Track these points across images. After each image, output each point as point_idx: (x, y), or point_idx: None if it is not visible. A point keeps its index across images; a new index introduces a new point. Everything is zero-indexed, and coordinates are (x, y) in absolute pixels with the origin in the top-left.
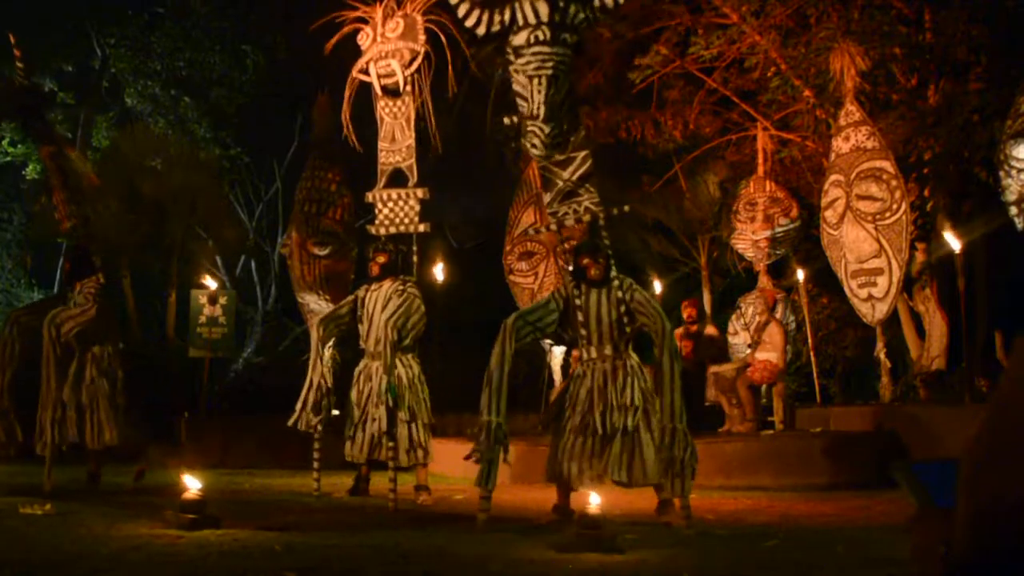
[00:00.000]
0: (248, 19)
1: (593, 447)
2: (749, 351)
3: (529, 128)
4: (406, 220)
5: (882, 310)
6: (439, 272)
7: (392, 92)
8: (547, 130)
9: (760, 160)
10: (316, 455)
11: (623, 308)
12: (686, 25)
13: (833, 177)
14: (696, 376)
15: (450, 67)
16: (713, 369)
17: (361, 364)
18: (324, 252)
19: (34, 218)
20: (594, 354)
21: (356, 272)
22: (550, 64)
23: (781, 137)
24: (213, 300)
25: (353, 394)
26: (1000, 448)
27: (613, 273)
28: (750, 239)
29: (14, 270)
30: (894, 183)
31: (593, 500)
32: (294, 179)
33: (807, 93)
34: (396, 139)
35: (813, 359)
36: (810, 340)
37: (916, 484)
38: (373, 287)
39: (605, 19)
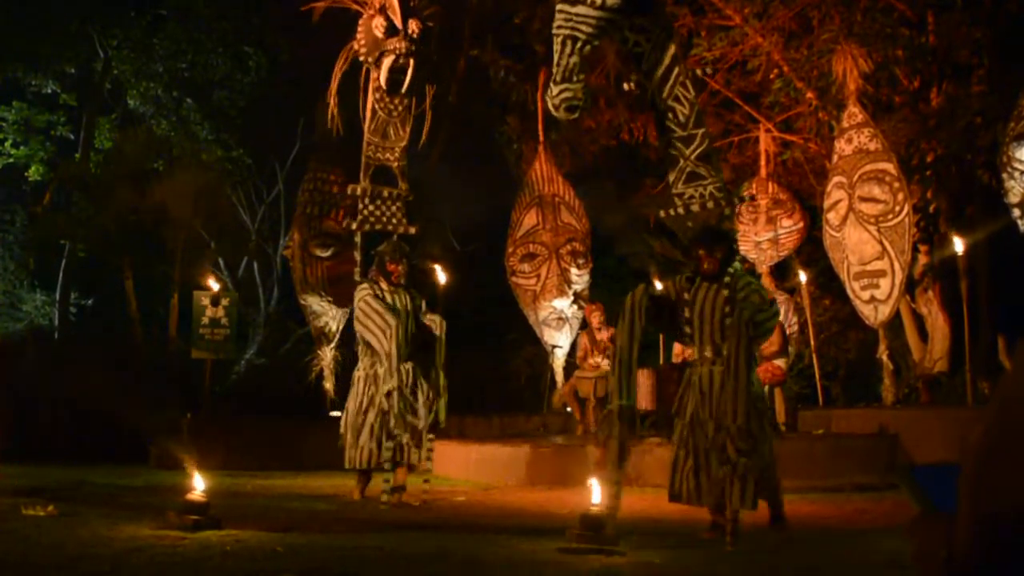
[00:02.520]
0: (251, 21)
1: (696, 464)
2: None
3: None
4: (393, 220)
5: (884, 312)
6: (440, 273)
7: (393, 89)
8: (555, 91)
9: (763, 162)
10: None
11: (728, 308)
12: (689, 27)
13: (836, 179)
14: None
15: (461, 71)
16: None
17: (371, 368)
18: (326, 254)
19: (36, 220)
20: (699, 356)
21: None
22: (569, 24)
23: (784, 139)
24: (215, 302)
25: (365, 400)
26: (1003, 451)
27: (733, 268)
28: (752, 241)
29: (16, 272)
30: (897, 185)
31: (594, 500)
32: (296, 181)
33: (809, 95)
34: (389, 136)
35: (815, 361)
36: (812, 342)
37: (917, 487)
38: (389, 288)
39: None
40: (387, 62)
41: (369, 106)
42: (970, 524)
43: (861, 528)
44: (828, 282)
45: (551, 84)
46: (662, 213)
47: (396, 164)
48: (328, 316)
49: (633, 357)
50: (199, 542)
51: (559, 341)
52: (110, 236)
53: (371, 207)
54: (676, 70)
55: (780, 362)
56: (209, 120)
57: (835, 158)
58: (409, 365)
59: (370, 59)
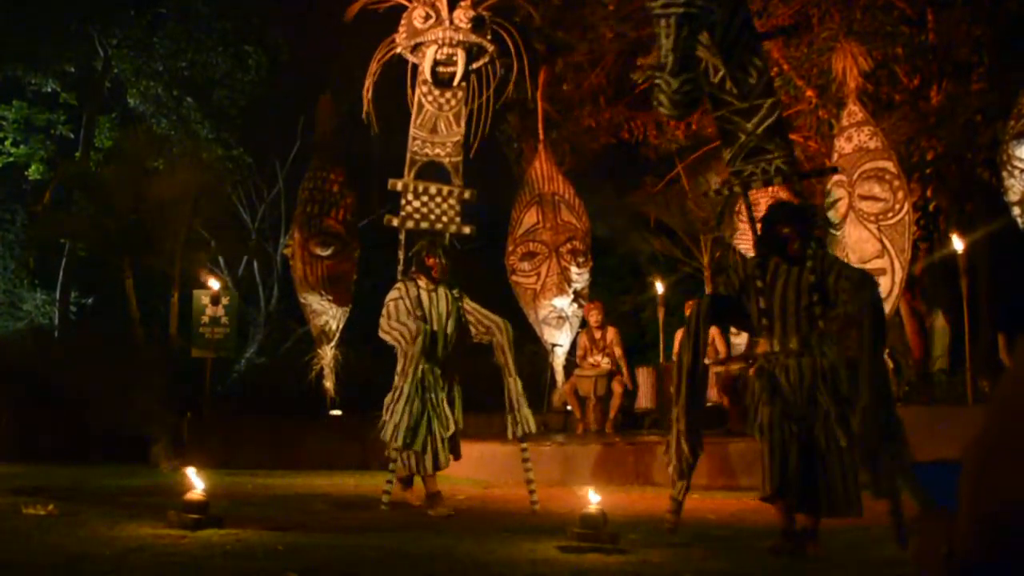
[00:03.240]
0: (251, 20)
1: (783, 463)
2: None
3: (656, 80)
4: (443, 219)
5: (884, 310)
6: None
7: (444, 82)
8: (675, 84)
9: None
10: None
11: (817, 296)
12: None
13: (836, 177)
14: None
15: (521, 69)
16: (716, 369)
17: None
18: (326, 252)
19: (36, 219)
20: (782, 347)
21: (358, 272)
22: (681, 2)
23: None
24: (216, 300)
25: (415, 404)
26: (1003, 449)
27: (810, 250)
28: (752, 239)
29: (17, 271)
30: (897, 183)
31: (593, 499)
32: (296, 180)
33: (809, 93)
34: (440, 131)
35: None
36: None
37: (918, 485)
38: (425, 285)
39: None
40: (430, 52)
41: (416, 100)
42: (971, 521)
43: (861, 525)
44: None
45: (663, 76)
46: (714, 190)
47: (448, 160)
48: (328, 315)
49: (698, 372)
50: (200, 541)
51: (559, 340)
52: (110, 235)
53: (416, 203)
54: (746, 35)
55: None
56: (209, 119)
57: (835, 156)
58: (437, 370)
59: (411, 51)
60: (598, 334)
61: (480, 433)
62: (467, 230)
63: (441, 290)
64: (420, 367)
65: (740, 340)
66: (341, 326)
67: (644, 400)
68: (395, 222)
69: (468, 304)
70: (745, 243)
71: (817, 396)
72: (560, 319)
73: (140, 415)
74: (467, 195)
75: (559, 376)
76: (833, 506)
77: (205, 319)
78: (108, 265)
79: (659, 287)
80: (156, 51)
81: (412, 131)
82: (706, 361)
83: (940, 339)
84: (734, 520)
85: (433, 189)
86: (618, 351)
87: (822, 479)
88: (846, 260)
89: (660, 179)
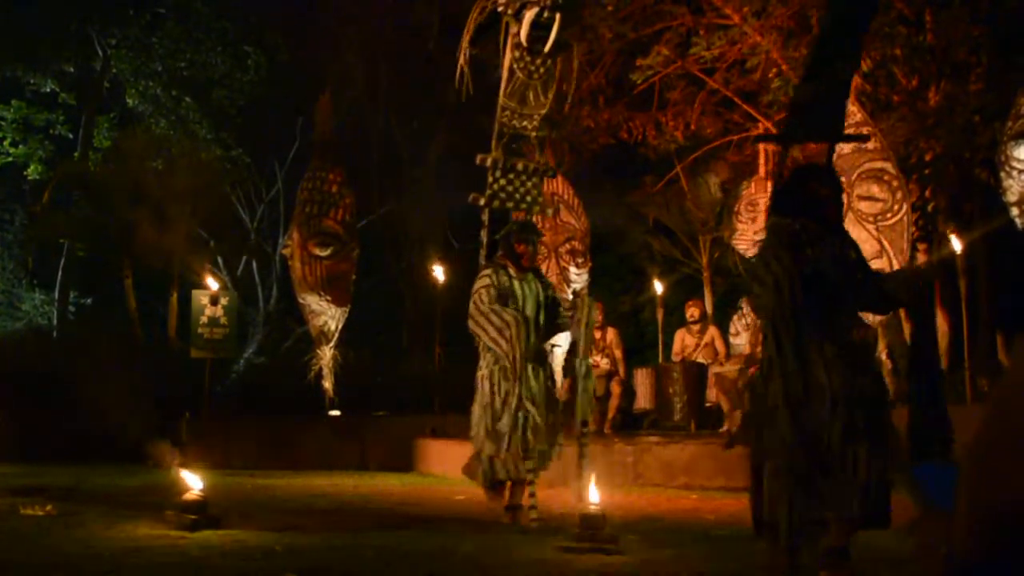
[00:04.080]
0: (249, 20)
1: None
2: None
3: None
4: (527, 199)
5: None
6: (439, 272)
7: (537, 48)
8: None
9: (761, 161)
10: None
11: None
12: (687, 26)
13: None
14: (699, 376)
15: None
16: (715, 370)
17: (496, 364)
18: (325, 253)
19: (35, 219)
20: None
21: (357, 272)
22: None
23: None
24: (214, 301)
25: (499, 402)
26: (1002, 448)
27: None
28: (751, 239)
29: (15, 271)
30: (895, 184)
31: (592, 500)
32: (295, 180)
33: None
34: (528, 101)
35: None
36: None
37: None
38: (517, 275)
39: None
40: (529, 15)
41: (506, 66)
42: (970, 521)
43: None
44: None
45: None
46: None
47: (535, 134)
48: (327, 315)
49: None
50: (198, 542)
51: (558, 340)
52: (109, 235)
53: (502, 181)
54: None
55: None
56: (208, 119)
57: (833, 156)
58: (530, 367)
59: (510, 11)
60: (598, 334)
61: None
62: (549, 211)
63: (531, 278)
64: (521, 364)
65: (739, 341)
66: (340, 326)
67: (643, 401)
68: (481, 201)
69: (554, 291)
70: (744, 244)
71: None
72: None
73: (139, 415)
74: (550, 171)
75: (557, 376)
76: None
77: (204, 319)
78: (107, 265)
79: (658, 287)
80: (155, 51)
81: (502, 100)
82: (704, 361)
83: (939, 339)
84: (733, 520)
85: (520, 166)
86: (618, 353)
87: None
88: None
89: (659, 179)
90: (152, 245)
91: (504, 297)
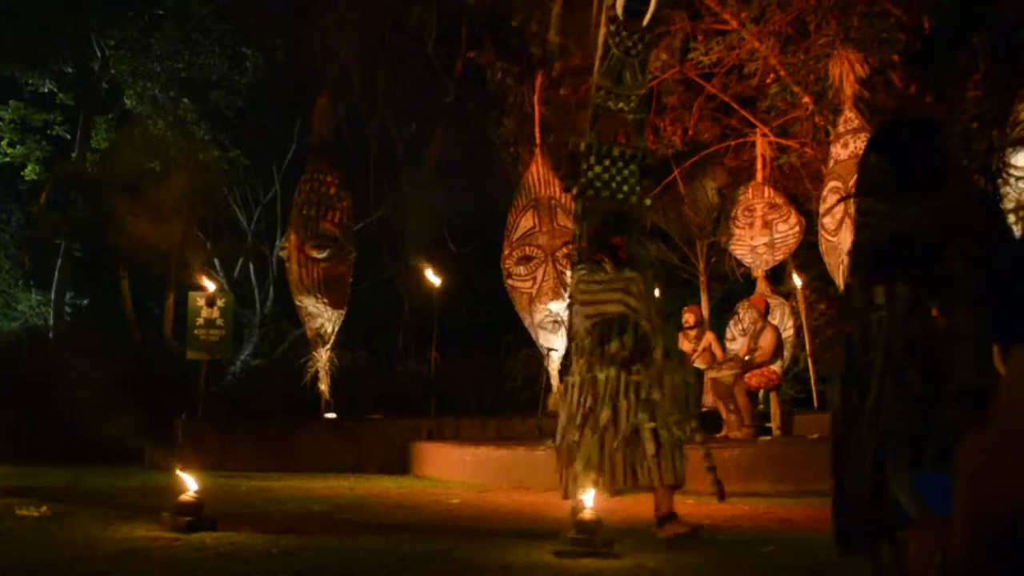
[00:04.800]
0: (248, 21)
1: None
2: (746, 358)
3: None
4: (624, 188)
5: None
6: (434, 276)
7: (634, 23)
8: None
9: (759, 166)
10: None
11: None
12: (685, 31)
13: (832, 184)
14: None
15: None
16: (711, 374)
17: (590, 372)
18: (322, 255)
19: (32, 219)
20: None
21: (354, 275)
22: None
23: (780, 143)
24: (211, 302)
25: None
26: (997, 458)
27: None
28: (748, 245)
29: (12, 271)
30: None
31: (588, 504)
32: (293, 182)
33: (806, 100)
34: (624, 81)
35: (811, 365)
36: (808, 346)
37: (913, 493)
38: (610, 269)
39: None
40: None
41: (601, 41)
42: (965, 528)
43: None
44: (824, 286)
45: None
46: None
47: (632, 117)
48: (324, 318)
49: None
50: (193, 544)
51: (555, 344)
52: (106, 236)
53: (597, 168)
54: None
55: (775, 366)
56: (206, 120)
57: (831, 163)
58: (625, 370)
59: None
60: None
61: (476, 437)
62: (648, 202)
63: (629, 272)
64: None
65: (735, 346)
66: (336, 329)
67: None
68: (575, 190)
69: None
70: (741, 249)
71: None
72: (556, 323)
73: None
74: (647, 158)
75: (554, 380)
76: None
77: (200, 321)
78: (103, 266)
79: (655, 292)
80: (153, 52)
81: (596, 79)
82: (700, 366)
83: None
84: (729, 526)
85: (616, 152)
86: None
87: None
88: (841, 267)
89: (656, 184)
90: (149, 246)
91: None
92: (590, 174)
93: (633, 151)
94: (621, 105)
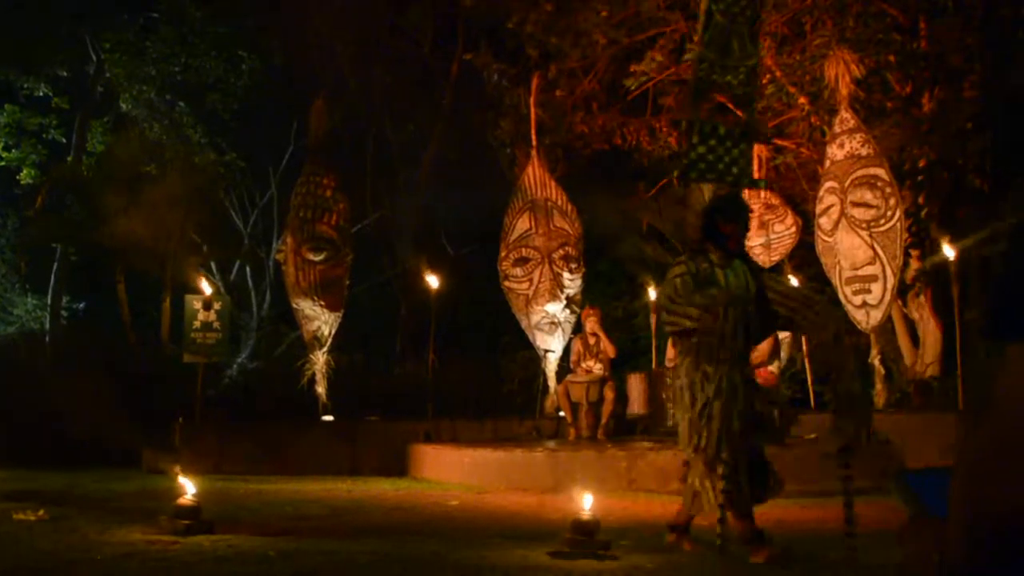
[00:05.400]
0: (244, 24)
1: None
2: None
3: None
4: (733, 169)
5: (876, 317)
6: (433, 279)
7: None
8: None
9: (755, 167)
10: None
11: None
12: (681, 32)
13: (828, 184)
14: None
15: None
16: None
17: (698, 372)
18: (319, 258)
19: (28, 223)
20: None
21: (351, 278)
22: None
23: (776, 144)
24: (208, 306)
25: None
26: (995, 457)
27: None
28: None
29: (8, 275)
30: (888, 190)
31: (585, 505)
32: (289, 184)
33: (802, 100)
34: (732, 51)
35: (807, 366)
36: (804, 347)
37: (909, 492)
38: (718, 259)
39: None
40: None
41: (703, 7)
42: (962, 528)
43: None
44: (820, 287)
45: None
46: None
47: (741, 90)
48: (320, 320)
49: None
50: (191, 547)
51: (552, 345)
52: (102, 240)
53: (701, 148)
54: None
55: (772, 367)
56: (202, 123)
57: (827, 163)
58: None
59: None
60: (592, 340)
61: (473, 438)
62: (762, 183)
63: (738, 265)
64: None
65: None
66: (333, 331)
67: (636, 406)
68: (675, 173)
69: (768, 279)
70: None
71: None
72: (553, 325)
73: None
74: (761, 136)
75: (551, 382)
76: None
77: (197, 324)
78: (100, 270)
79: (651, 293)
80: (149, 55)
81: (698, 51)
82: None
83: (931, 345)
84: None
85: (723, 130)
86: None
87: None
88: (838, 267)
89: (653, 185)
90: (145, 250)
91: (703, 287)
92: (693, 154)
93: (743, 128)
94: (728, 78)
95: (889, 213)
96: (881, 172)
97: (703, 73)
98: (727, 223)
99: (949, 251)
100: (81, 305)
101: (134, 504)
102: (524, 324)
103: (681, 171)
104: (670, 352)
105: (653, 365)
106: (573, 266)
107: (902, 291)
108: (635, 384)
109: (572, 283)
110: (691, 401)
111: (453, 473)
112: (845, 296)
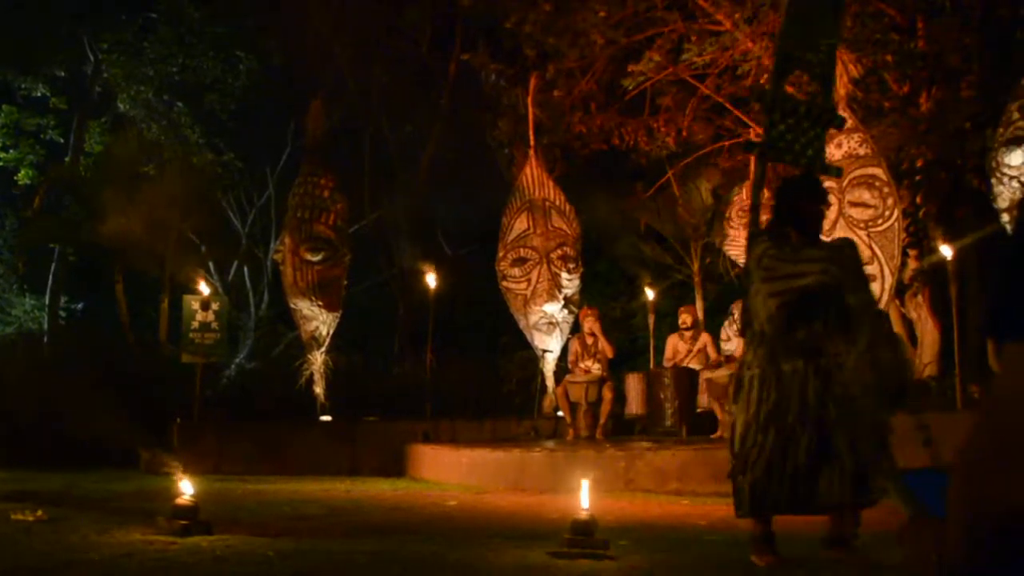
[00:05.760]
0: (242, 25)
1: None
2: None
3: None
4: (809, 152)
5: None
6: (431, 279)
7: None
8: None
9: (753, 167)
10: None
11: None
12: (679, 32)
13: (826, 184)
14: (690, 382)
15: None
16: (706, 375)
17: (770, 363)
18: (317, 258)
19: (26, 224)
20: None
21: (349, 278)
22: None
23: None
24: (206, 306)
25: (764, 411)
26: (994, 456)
27: None
28: (743, 245)
29: (6, 276)
30: (886, 190)
31: (583, 505)
32: (287, 185)
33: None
34: (813, 22)
35: None
36: None
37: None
38: (796, 242)
39: None
40: None
41: None
42: (961, 528)
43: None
44: None
45: None
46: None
47: (819, 70)
48: (318, 320)
49: None
50: (189, 547)
51: (549, 345)
52: (100, 240)
53: (781, 127)
54: None
55: None
56: (200, 124)
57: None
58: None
59: None
60: (590, 340)
61: (471, 438)
62: (835, 171)
63: (817, 252)
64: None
65: (730, 347)
66: (331, 331)
67: (634, 406)
68: (756, 151)
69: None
70: (736, 250)
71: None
72: (551, 325)
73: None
74: (838, 120)
75: (549, 382)
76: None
77: (195, 324)
78: (98, 270)
79: (649, 293)
80: (147, 55)
81: (783, 26)
82: (695, 367)
83: (929, 345)
84: (724, 526)
85: (803, 109)
86: (607, 349)
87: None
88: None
89: (651, 185)
90: (143, 250)
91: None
92: (773, 133)
93: (821, 110)
94: (809, 56)
95: (887, 213)
96: (879, 172)
97: (788, 47)
98: (809, 203)
99: (947, 251)
100: (79, 305)
101: (132, 504)
102: (522, 324)
103: (761, 150)
104: (668, 351)
105: (651, 365)
106: (571, 266)
107: (900, 291)
108: (633, 384)
109: (570, 283)
110: (758, 396)
111: (451, 473)
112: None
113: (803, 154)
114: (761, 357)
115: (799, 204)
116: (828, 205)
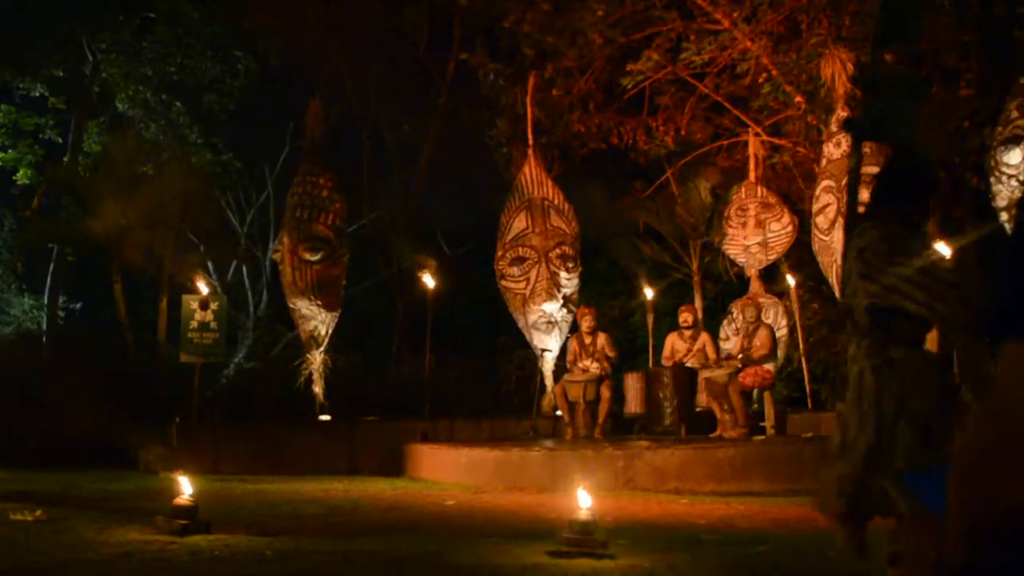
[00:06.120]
0: (240, 24)
1: None
2: (741, 355)
3: None
4: (901, 131)
5: None
6: (429, 278)
7: None
8: None
9: (752, 166)
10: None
11: None
12: (678, 31)
13: (824, 183)
14: (689, 381)
15: None
16: (705, 374)
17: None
18: (315, 258)
19: (25, 223)
20: None
21: (347, 277)
22: None
23: (772, 143)
24: (204, 305)
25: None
26: (993, 455)
27: None
28: (742, 244)
29: (4, 276)
30: None
31: (582, 504)
32: (286, 184)
33: (798, 99)
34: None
35: (804, 364)
36: (801, 345)
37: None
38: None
39: None
40: None
41: None
42: (960, 526)
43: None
44: (817, 286)
45: None
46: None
47: (912, 47)
48: (317, 320)
49: None
50: (188, 547)
51: (548, 345)
52: (99, 240)
53: (879, 104)
54: None
55: (769, 366)
56: (198, 123)
57: (824, 162)
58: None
59: None
60: (588, 339)
61: (470, 438)
62: (929, 152)
63: (915, 241)
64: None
65: (728, 346)
66: (330, 331)
67: (633, 405)
68: (831, 129)
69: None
70: (735, 249)
71: None
72: (549, 324)
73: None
74: (924, 94)
75: (548, 381)
76: None
77: (194, 324)
78: (96, 270)
79: (648, 292)
80: (145, 55)
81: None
82: (694, 366)
83: (928, 344)
84: (723, 525)
85: (900, 82)
86: (611, 353)
87: None
88: (835, 266)
89: (649, 184)
90: (142, 250)
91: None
92: (874, 109)
93: (910, 88)
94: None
95: None
96: (878, 171)
97: (888, 21)
98: (917, 187)
99: (945, 249)
100: (78, 305)
101: (131, 504)
102: (521, 323)
103: (853, 124)
104: (667, 350)
105: (650, 364)
106: (570, 265)
107: None
108: (632, 383)
109: (569, 282)
110: (863, 390)
111: (450, 473)
112: (842, 295)
113: (896, 131)
114: (866, 348)
115: (905, 188)
116: (930, 190)
